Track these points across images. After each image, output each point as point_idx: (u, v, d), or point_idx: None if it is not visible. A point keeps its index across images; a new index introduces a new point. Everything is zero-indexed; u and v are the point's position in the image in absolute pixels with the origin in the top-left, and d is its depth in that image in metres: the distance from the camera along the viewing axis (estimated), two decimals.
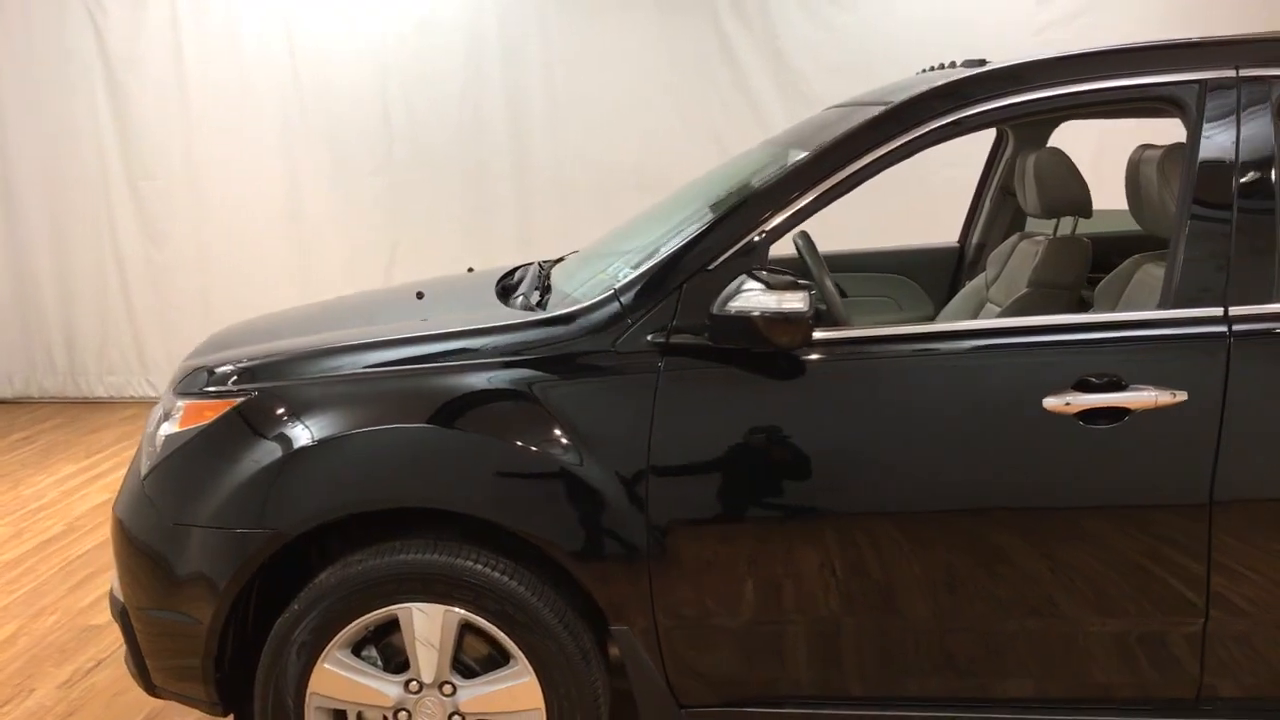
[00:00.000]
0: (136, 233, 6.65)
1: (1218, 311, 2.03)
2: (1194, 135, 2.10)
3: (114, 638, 3.37)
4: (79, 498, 4.81)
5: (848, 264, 3.67)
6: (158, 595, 2.25)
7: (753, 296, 1.95)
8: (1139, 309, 2.38)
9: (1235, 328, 2.01)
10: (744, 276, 2.01)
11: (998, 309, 3.12)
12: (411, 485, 2.11)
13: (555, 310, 2.26)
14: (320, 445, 2.12)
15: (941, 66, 3.02)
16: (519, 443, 2.09)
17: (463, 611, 2.13)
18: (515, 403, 2.12)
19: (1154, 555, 2.03)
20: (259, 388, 2.23)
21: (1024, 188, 3.11)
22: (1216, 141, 2.08)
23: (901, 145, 2.14)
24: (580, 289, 2.43)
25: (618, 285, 2.19)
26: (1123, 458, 2.01)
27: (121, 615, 2.35)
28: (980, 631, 2.10)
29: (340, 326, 2.62)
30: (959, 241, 3.74)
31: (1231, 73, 2.11)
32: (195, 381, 2.33)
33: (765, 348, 2.00)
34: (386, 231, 6.49)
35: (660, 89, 6.17)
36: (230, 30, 6.34)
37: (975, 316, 3.27)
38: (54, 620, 3.51)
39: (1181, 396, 1.98)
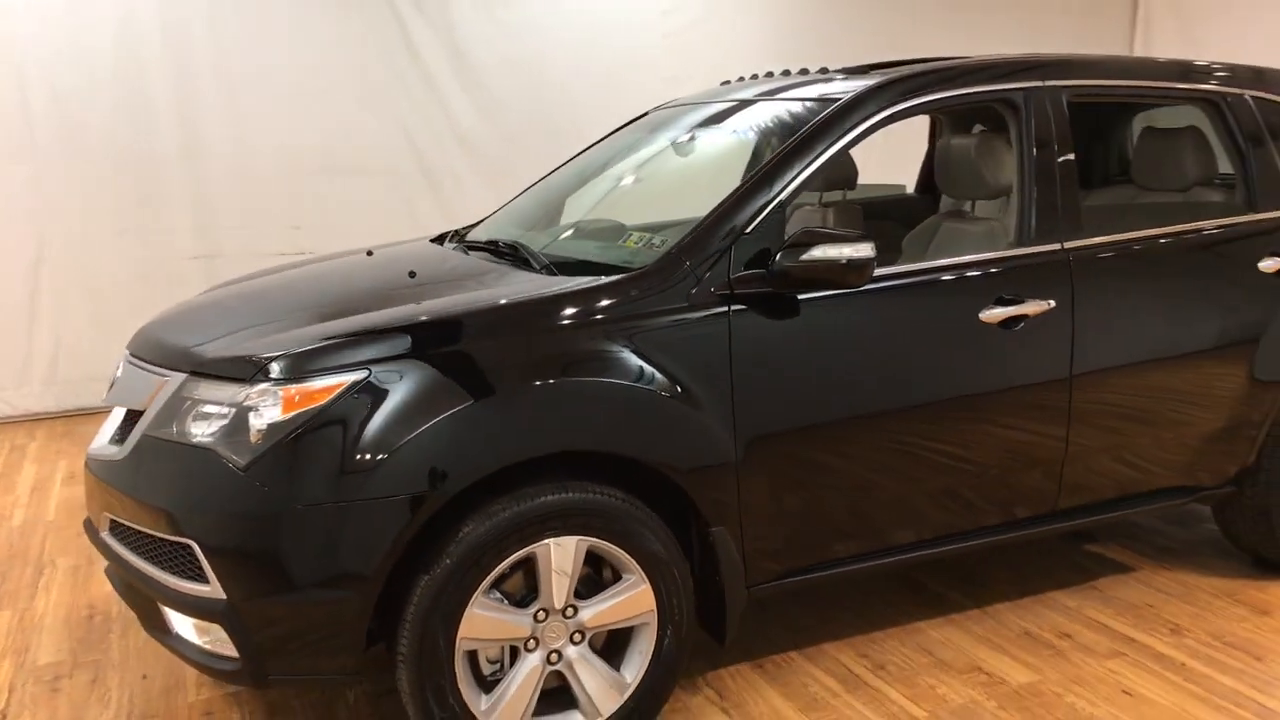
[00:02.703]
0: None
1: (1058, 246, 2.99)
2: (1026, 126, 3.04)
3: None
4: None
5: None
6: (288, 579, 2.24)
7: (829, 247, 2.51)
8: (948, 255, 3.25)
9: (1071, 255, 2.99)
10: (805, 232, 2.55)
11: None
12: (571, 433, 2.38)
13: (622, 274, 2.60)
14: (468, 408, 2.30)
15: (768, 75, 3.75)
16: (641, 386, 2.45)
17: (592, 539, 2.44)
18: (624, 353, 2.47)
19: (1040, 415, 2.97)
20: (372, 365, 2.31)
21: None
22: (1039, 130, 3.04)
23: (872, 124, 2.81)
24: (597, 254, 2.81)
25: (674, 249, 2.62)
26: (1023, 349, 2.90)
27: (225, 613, 2.28)
28: (959, 485, 2.90)
29: (337, 303, 2.70)
30: None
31: (1040, 83, 3.08)
32: (277, 368, 2.32)
33: (837, 288, 2.57)
34: (30, 227, 5.72)
35: (343, 72, 6.18)
36: None
37: None
38: None
39: (1052, 304, 2.92)
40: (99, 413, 5.83)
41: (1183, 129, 3.50)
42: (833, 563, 2.83)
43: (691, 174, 3.46)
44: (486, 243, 3.20)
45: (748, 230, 2.64)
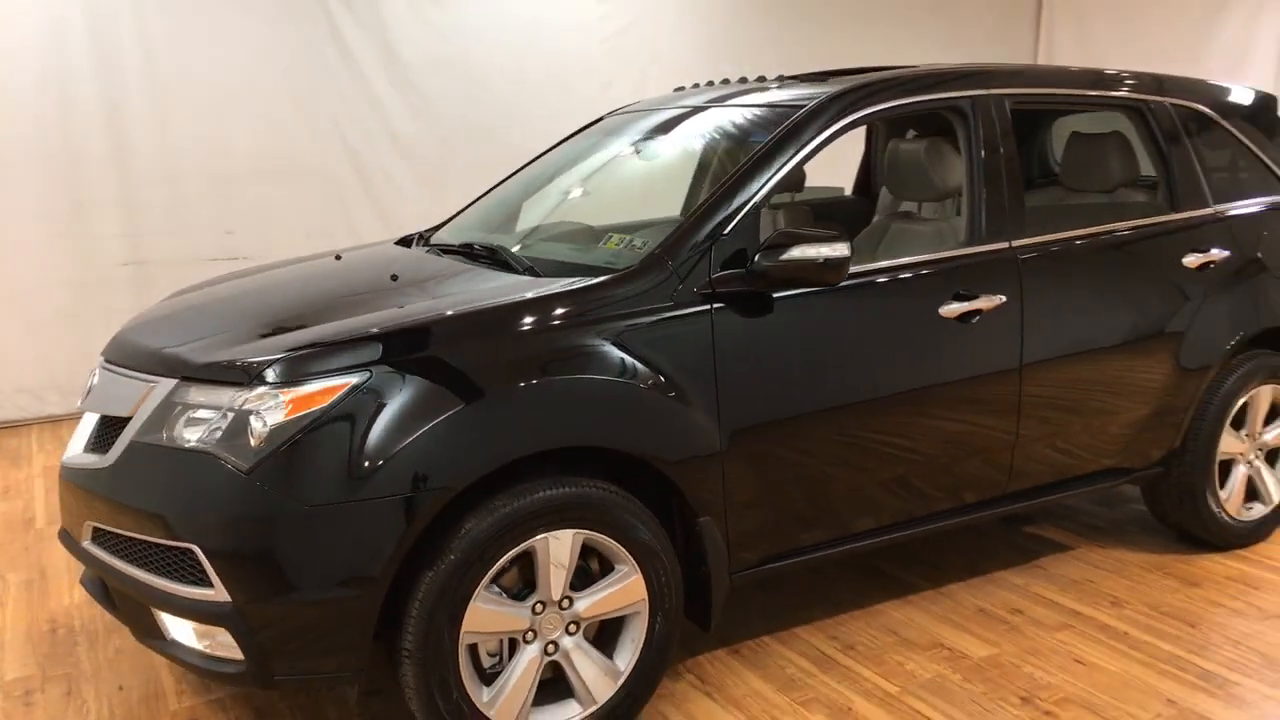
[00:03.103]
0: None
1: (1006, 245, 3.18)
2: (974, 133, 3.21)
3: None
4: None
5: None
6: (295, 580, 2.27)
7: (808, 248, 2.63)
8: (900, 254, 3.40)
9: (1019, 254, 3.18)
10: (783, 234, 2.66)
11: None
12: (570, 429, 2.46)
13: (607, 275, 2.68)
14: (473, 405, 2.36)
15: (707, 84, 3.87)
16: (633, 383, 2.54)
17: (587, 531, 2.52)
18: (615, 351, 2.55)
19: (994, 404, 3.15)
20: (373, 366, 2.35)
21: None
22: (987, 136, 3.22)
23: (837, 129, 2.94)
24: (578, 256, 2.89)
25: (658, 250, 2.71)
26: (979, 342, 3.08)
27: (230, 616, 2.29)
28: (918, 471, 3.05)
29: (323, 306, 2.75)
30: (682, 214, 4.61)
31: (986, 91, 3.27)
32: (277, 372, 2.34)
33: (815, 285, 2.70)
34: None
35: (274, 73, 6.11)
36: None
37: None
38: None
39: (1003, 299, 3.11)
40: (18, 426, 5.67)
41: (1108, 134, 3.74)
42: (809, 548, 2.96)
43: (662, 176, 3.56)
44: (460, 246, 3.24)
45: (725, 232, 2.75)
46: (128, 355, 2.72)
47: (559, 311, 2.56)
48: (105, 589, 2.72)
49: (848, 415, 2.89)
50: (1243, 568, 3.69)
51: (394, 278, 2.95)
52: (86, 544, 2.64)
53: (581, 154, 3.82)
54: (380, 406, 2.32)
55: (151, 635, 2.52)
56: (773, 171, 2.86)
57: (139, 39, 5.73)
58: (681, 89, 4.02)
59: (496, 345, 2.47)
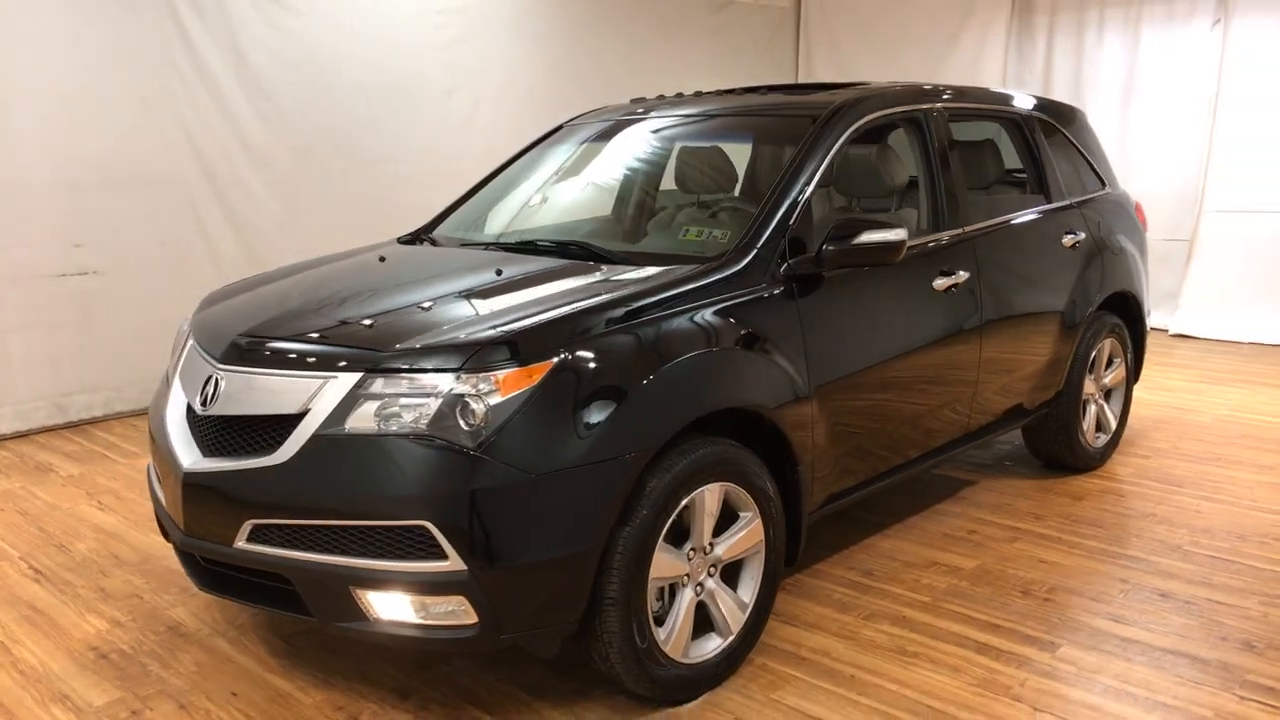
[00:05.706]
0: None
1: (961, 230, 3.89)
2: (927, 139, 3.89)
3: None
4: None
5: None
6: (528, 543, 2.49)
7: (875, 234, 3.15)
8: None
9: (974, 236, 3.90)
10: (846, 224, 3.17)
11: None
12: (723, 392, 2.85)
13: (707, 263, 3.07)
14: (657, 376, 2.68)
15: (678, 95, 4.32)
16: (755, 352, 2.97)
17: (729, 484, 2.90)
18: (735, 325, 2.95)
19: (965, 356, 3.84)
20: (566, 347, 2.61)
21: (689, 174, 4.57)
22: (937, 141, 3.92)
23: (852, 133, 3.50)
24: (662, 246, 3.28)
25: (745, 239, 3.14)
26: (955, 307, 3.76)
27: (467, 584, 2.46)
28: (927, 413, 3.68)
29: (452, 297, 2.98)
30: (613, 214, 4.99)
31: (933, 106, 3.96)
32: (485, 356, 2.54)
33: (878, 264, 3.23)
34: None
35: (121, 78, 5.76)
36: None
37: None
38: None
39: (967, 274, 3.81)
40: None
41: (984, 141, 4.57)
42: (856, 487, 3.50)
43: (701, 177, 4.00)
44: (519, 242, 3.48)
45: (791, 222, 3.23)
46: (272, 356, 2.75)
47: (692, 290, 2.93)
48: (228, 584, 2.77)
49: (884, 370, 3.47)
50: (1104, 483, 4.66)
51: (498, 272, 3.15)
52: (241, 544, 2.66)
53: (557, 160, 4.15)
54: (580, 382, 2.58)
55: (348, 618, 2.59)
56: (812, 171, 3.37)
57: None
58: (641, 99, 4.43)
59: (661, 323, 2.79)
